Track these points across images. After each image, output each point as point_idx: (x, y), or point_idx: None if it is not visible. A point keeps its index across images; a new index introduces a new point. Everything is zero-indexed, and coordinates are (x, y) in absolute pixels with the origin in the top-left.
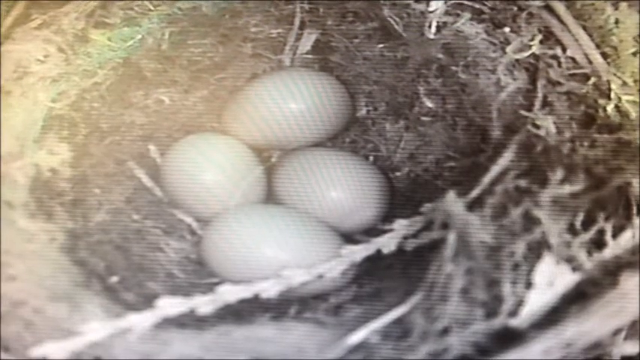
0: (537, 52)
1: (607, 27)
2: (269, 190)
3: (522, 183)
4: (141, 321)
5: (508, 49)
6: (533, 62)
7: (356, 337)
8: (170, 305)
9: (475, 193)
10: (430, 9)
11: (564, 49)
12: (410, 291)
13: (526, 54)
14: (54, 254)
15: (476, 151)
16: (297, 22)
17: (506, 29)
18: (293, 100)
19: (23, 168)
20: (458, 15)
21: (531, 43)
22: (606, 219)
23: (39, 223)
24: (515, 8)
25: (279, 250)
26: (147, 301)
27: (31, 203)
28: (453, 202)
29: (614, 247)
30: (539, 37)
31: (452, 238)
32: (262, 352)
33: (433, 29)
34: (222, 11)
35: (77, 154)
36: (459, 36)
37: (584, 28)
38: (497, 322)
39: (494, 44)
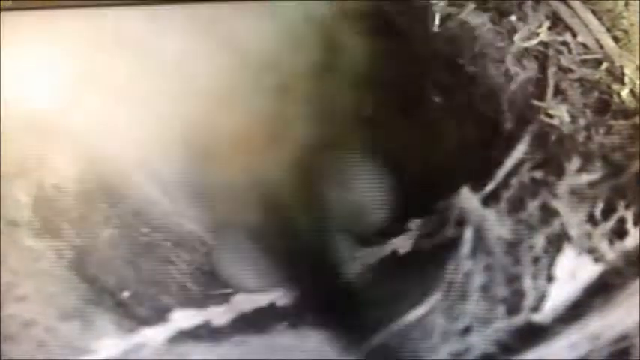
0: (546, 40)
1: (616, 10)
2: None
3: (538, 174)
4: (155, 335)
5: (516, 37)
6: (543, 50)
7: (376, 339)
8: (184, 317)
9: (490, 187)
10: (433, 1)
11: (574, 35)
12: (428, 291)
13: (534, 42)
14: (63, 272)
15: (488, 144)
16: None
17: (513, 17)
18: None
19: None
20: (462, 5)
21: (539, 30)
22: (626, 207)
23: (45, 241)
24: None
25: None
26: (160, 315)
27: (35, 221)
28: (467, 198)
29: (636, 236)
30: (547, 23)
31: (468, 234)
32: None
33: (437, 22)
34: None
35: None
36: (465, 27)
37: (593, 12)
38: (520, 319)
39: (501, 33)
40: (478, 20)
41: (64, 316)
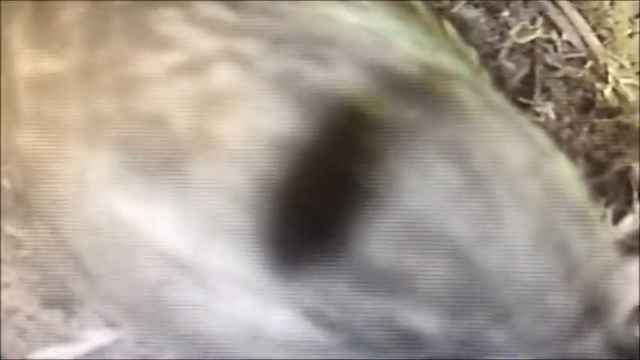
0: (533, 37)
1: (602, 9)
2: None
3: None
4: None
5: (512, 32)
6: (530, 47)
7: None
8: None
9: None
10: None
11: (560, 33)
12: None
13: (529, 38)
14: (45, 260)
15: None
16: None
17: (505, 13)
18: None
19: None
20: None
21: (532, 27)
22: (607, 204)
23: (28, 228)
24: None
25: None
26: None
27: (18, 209)
28: None
29: (616, 233)
30: (541, 20)
31: None
32: None
33: None
34: None
35: None
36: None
37: (579, 10)
38: None
39: (494, 29)
40: (472, 14)
41: (46, 304)
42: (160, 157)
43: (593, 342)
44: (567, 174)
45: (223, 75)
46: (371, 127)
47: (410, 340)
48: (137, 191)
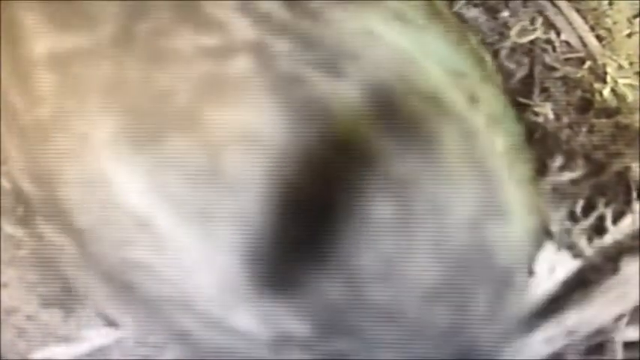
0: (533, 37)
1: (601, 9)
2: None
3: None
4: None
5: (512, 32)
6: (530, 47)
7: None
8: None
9: None
10: None
11: (558, 33)
12: None
13: (529, 38)
14: (44, 259)
15: None
16: None
17: (505, 13)
18: None
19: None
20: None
21: (531, 27)
22: (606, 205)
23: (27, 228)
24: None
25: None
26: None
27: (17, 208)
28: None
29: (615, 233)
30: (541, 19)
31: None
32: None
33: None
34: None
35: None
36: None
37: (578, 10)
38: None
39: (493, 29)
40: (471, 14)
41: (45, 304)
42: (152, 129)
43: None
44: (511, 239)
45: (239, 64)
46: (347, 148)
47: None
48: (125, 158)
